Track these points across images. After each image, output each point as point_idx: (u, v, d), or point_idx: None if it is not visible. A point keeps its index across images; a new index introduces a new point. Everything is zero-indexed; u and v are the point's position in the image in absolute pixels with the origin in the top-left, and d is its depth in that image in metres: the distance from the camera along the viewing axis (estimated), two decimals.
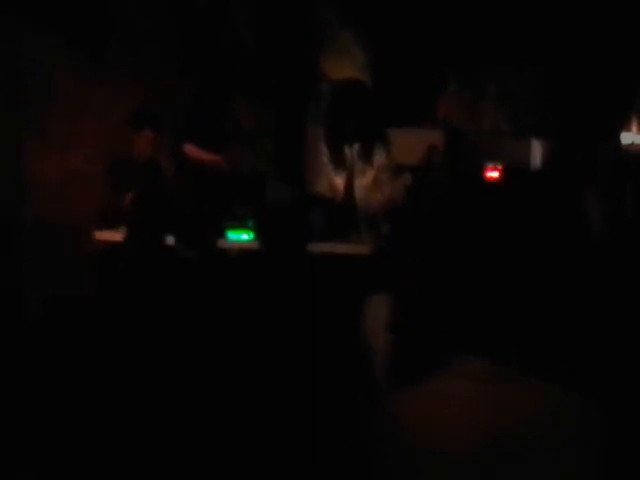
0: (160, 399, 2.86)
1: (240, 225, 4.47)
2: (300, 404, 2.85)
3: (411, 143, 5.57)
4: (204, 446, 2.76)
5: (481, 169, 5.88)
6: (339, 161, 4.57)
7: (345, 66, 6.05)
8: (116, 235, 4.30)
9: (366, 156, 4.55)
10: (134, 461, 2.74)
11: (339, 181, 4.58)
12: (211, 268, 3.42)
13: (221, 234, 4.35)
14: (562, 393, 1.32)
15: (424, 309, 1.43)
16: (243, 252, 4.26)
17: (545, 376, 1.32)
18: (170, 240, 3.87)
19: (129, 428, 2.81)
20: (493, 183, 1.89)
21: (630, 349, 2.38)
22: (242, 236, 4.45)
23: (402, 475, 1.34)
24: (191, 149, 4.94)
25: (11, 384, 3.13)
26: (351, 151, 4.56)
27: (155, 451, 2.76)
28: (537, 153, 7.68)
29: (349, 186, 4.55)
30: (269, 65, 5.94)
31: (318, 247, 4.05)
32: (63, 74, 4.55)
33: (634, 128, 8.84)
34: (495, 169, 5.99)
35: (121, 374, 2.93)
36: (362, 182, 4.56)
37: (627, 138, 8.94)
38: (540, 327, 1.34)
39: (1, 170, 4.22)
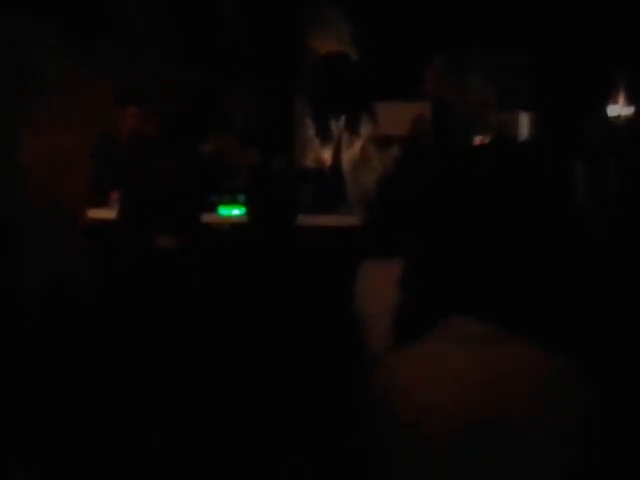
0: (160, 396, 2.85)
1: (231, 200, 4.49)
2: (299, 386, 2.85)
3: (399, 115, 5.55)
4: (201, 432, 2.76)
5: (470, 142, 5.89)
6: (325, 134, 4.58)
7: (331, 40, 6.02)
8: (110, 212, 4.30)
9: (353, 128, 4.57)
10: (134, 459, 2.74)
11: (326, 154, 4.59)
12: (196, 259, 3.40)
13: (211, 211, 4.37)
14: (549, 355, 1.34)
15: (424, 271, 1.43)
16: (235, 227, 4.28)
17: (533, 338, 1.34)
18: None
19: (129, 426, 2.81)
20: (482, 154, 1.88)
21: (616, 318, 2.41)
22: (234, 211, 4.47)
23: (393, 442, 1.36)
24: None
25: (9, 380, 3.10)
26: (337, 124, 4.57)
27: (154, 449, 2.76)
28: (525, 125, 7.68)
29: (336, 158, 4.56)
30: (263, 54, 5.93)
31: (307, 220, 4.07)
32: (53, 58, 4.53)
33: (621, 100, 8.85)
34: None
35: (122, 371, 2.92)
36: (349, 154, 4.57)
37: (614, 110, 8.94)
38: (531, 292, 1.35)
39: None
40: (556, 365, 1.33)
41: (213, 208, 4.48)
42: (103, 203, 4.66)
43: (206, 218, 4.35)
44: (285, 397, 2.79)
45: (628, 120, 8.24)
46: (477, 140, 5.97)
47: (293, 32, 5.90)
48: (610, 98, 7.95)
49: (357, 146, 4.60)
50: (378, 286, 2.47)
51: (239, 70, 5.84)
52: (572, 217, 1.51)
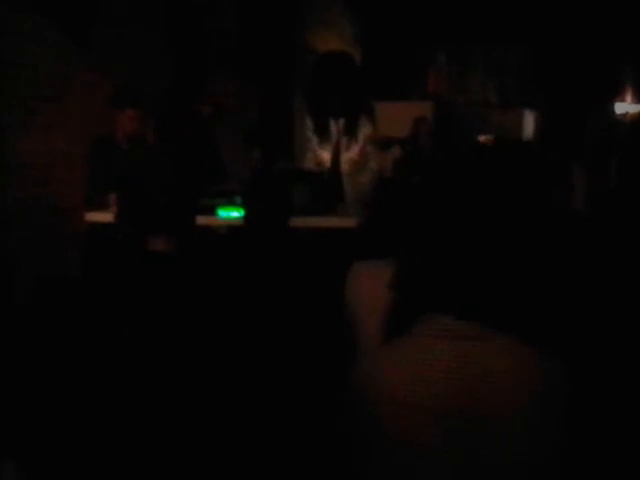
0: (150, 396, 2.84)
1: (230, 202, 4.47)
2: (291, 384, 2.84)
3: (400, 116, 5.54)
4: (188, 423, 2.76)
5: (472, 142, 5.86)
6: (324, 135, 4.54)
7: (333, 39, 5.99)
8: (106, 216, 4.29)
9: (351, 129, 4.52)
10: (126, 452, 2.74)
11: (325, 155, 4.56)
12: (190, 259, 3.38)
13: (211, 213, 4.35)
14: (533, 352, 1.33)
15: (415, 270, 1.43)
16: (232, 229, 4.25)
17: (516, 335, 1.33)
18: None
19: (123, 419, 2.80)
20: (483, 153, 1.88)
21: (610, 318, 2.40)
22: (232, 213, 4.44)
23: (373, 438, 1.35)
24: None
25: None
26: (336, 125, 4.53)
27: (147, 448, 2.75)
28: (529, 125, 7.65)
29: (335, 160, 4.52)
30: (253, 43, 5.90)
31: (305, 221, 4.05)
32: (47, 57, 4.53)
33: (628, 98, 8.81)
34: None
35: (114, 369, 2.91)
36: (348, 155, 4.54)
37: (621, 108, 8.91)
38: (516, 290, 1.34)
39: None
40: (539, 362, 1.32)
41: (212, 210, 4.45)
42: (103, 206, 4.65)
43: (204, 220, 4.35)
44: (277, 396, 2.78)
45: (635, 118, 8.22)
46: (481, 139, 5.94)
47: (291, 31, 5.88)
48: (614, 96, 7.92)
49: (356, 147, 4.56)
50: (369, 287, 2.46)
51: (222, 51, 5.82)
52: (562, 218, 1.50)
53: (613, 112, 8.09)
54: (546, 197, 1.47)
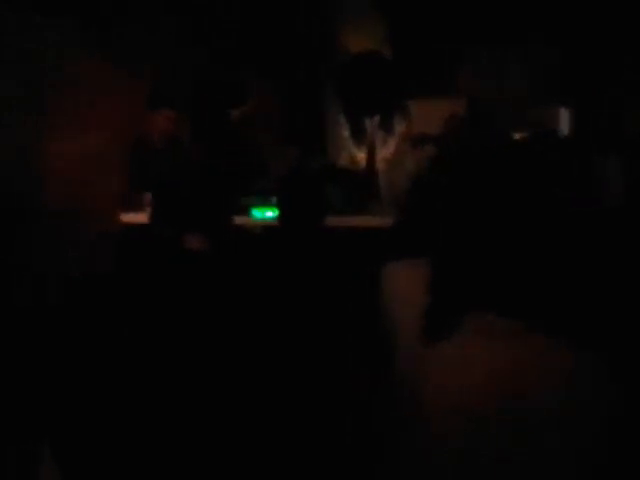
0: (179, 395, 2.84)
1: (264, 202, 4.47)
2: (326, 382, 2.84)
3: (434, 113, 5.50)
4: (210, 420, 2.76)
5: (507, 138, 5.80)
6: (359, 133, 4.55)
7: (363, 38, 5.97)
8: (142, 217, 4.31)
9: (387, 127, 4.52)
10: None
11: (361, 154, 4.56)
12: (225, 259, 3.38)
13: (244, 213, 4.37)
14: (572, 351, 1.31)
15: (453, 271, 1.43)
16: (267, 229, 4.26)
17: (557, 334, 1.31)
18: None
19: (140, 425, 2.81)
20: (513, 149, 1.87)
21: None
22: (267, 213, 4.44)
23: (412, 437, 1.34)
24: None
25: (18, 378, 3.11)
26: (371, 123, 4.54)
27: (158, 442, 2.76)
28: (565, 122, 7.57)
29: (371, 158, 4.53)
30: (278, 43, 5.89)
31: (339, 220, 4.05)
32: (77, 58, 4.55)
33: None
34: None
35: (142, 368, 2.91)
36: (383, 153, 4.54)
37: None
38: (556, 288, 1.33)
39: (17, 155, 4.23)
40: (579, 361, 1.30)
41: (246, 210, 4.46)
42: (139, 208, 4.67)
43: (239, 220, 4.35)
44: (306, 394, 2.78)
45: None
46: (517, 135, 5.89)
47: (319, 31, 5.86)
48: None
49: (392, 145, 4.56)
50: (405, 288, 2.45)
51: (267, 67, 5.84)
52: (599, 213, 1.49)
53: None
54: (550, 195, 1.44)
